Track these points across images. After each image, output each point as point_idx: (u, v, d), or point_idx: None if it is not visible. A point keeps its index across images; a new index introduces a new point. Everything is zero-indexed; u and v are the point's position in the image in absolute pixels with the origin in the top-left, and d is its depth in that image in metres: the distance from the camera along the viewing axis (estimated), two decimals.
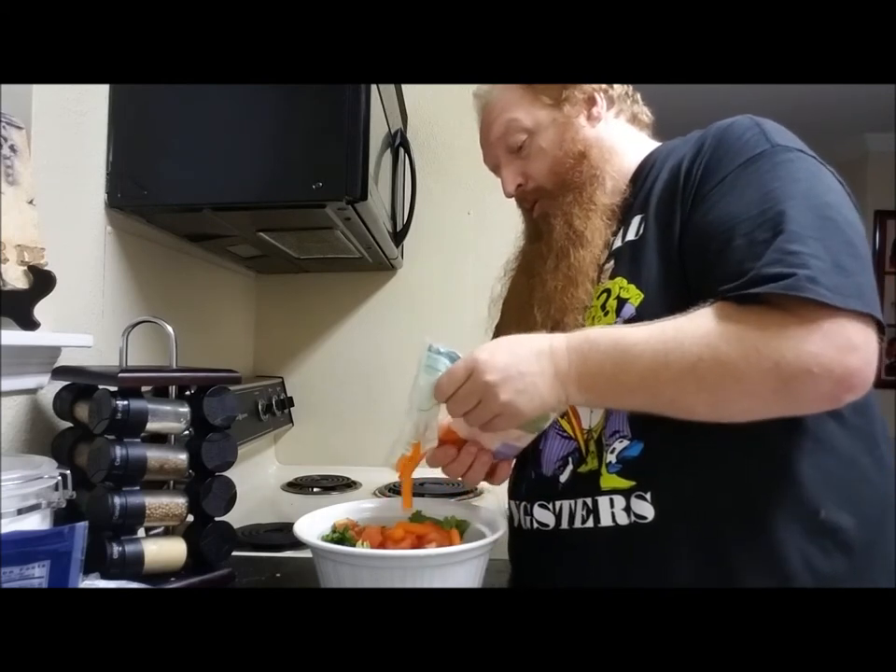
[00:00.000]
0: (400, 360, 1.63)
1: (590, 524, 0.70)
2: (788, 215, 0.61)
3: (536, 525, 0.75)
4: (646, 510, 0.67)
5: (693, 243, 0.68)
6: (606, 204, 0.78)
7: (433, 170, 1.61)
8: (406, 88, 1.46)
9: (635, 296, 0.71)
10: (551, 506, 0.74)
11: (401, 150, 1.36)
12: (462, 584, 0.66)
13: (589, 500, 0.70)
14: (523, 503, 0.78)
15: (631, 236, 0.76)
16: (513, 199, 0.88)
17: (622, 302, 0.72)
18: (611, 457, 0.70)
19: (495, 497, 1.31)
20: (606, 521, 0.69)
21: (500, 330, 0.92)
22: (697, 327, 0.61)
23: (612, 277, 0.75)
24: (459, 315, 1.63)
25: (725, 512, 0.64)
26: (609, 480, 0.69)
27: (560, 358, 0.65)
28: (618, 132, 0.83)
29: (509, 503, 0.83)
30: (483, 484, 1.36)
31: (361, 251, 1.31)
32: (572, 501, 0.72)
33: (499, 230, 1.62)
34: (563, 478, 0.74)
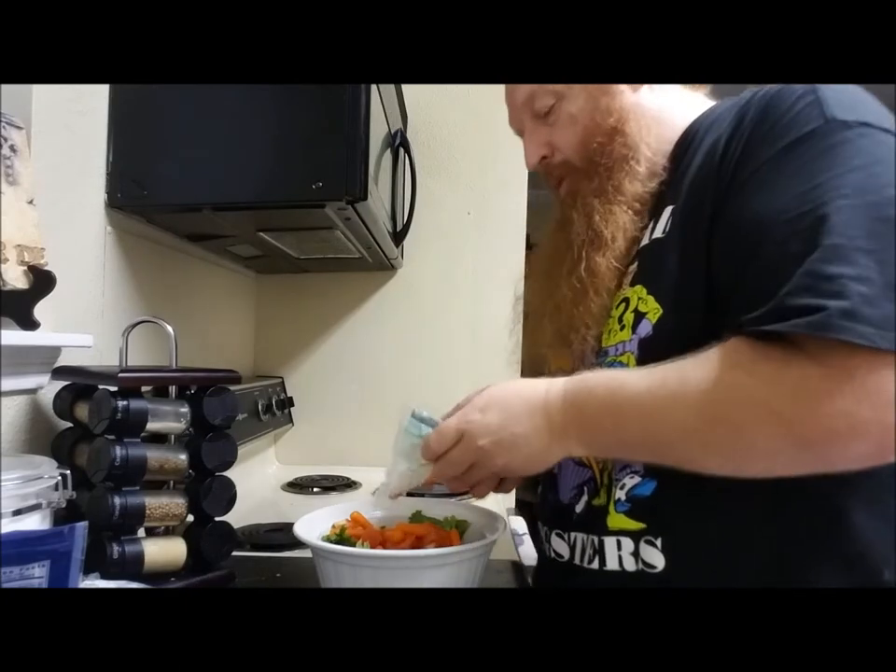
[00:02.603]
0: (400, 360, 1.63)
1: (595, 565, 0.63)
2: (831, 221, 0.48)
3: (553, 554, 0.70)
4: (655, 558, 0.58)
5: (722, 248, 0.56)
6: (636, 194, 0.66)
7: (433, 170, 1.61)
8: (406, 88, 1.46)
9: (653, 311, 0.61)
10: (566, 536, 0.68)
11: (401, 150, 1.36)
12: (462, 584, 0.66)
13: (596, 539, 0.63)
14: (544, 528, 0.72)
15: (658, 233, 0.64)
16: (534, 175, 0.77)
17: (639, 317, 0.62)
18: (620, 494, 0.62)
19: (494, 498, 1.31)
20: (612, 564, 0.61)
21: (526, 331, 0.83)
22: (701, 379, 0.51)
23: (633, 284, 0.65)
24: (459, 315, 1.63)
25: (754, 571, 0.55)
26: (616, 519, 0.61)
27: (555, 412, 0.59)
28: (666, 96, 0.69)
29: (537, 523, 0.77)
30: None
31: (361, 251, 1.31)
32: (585, 535, 0.65)
33: (499, 230, 1.63)
34: (578, 508, 0.67)
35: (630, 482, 0.61)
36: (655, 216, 0.66)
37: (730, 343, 0.51)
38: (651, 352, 0.60)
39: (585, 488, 0.67)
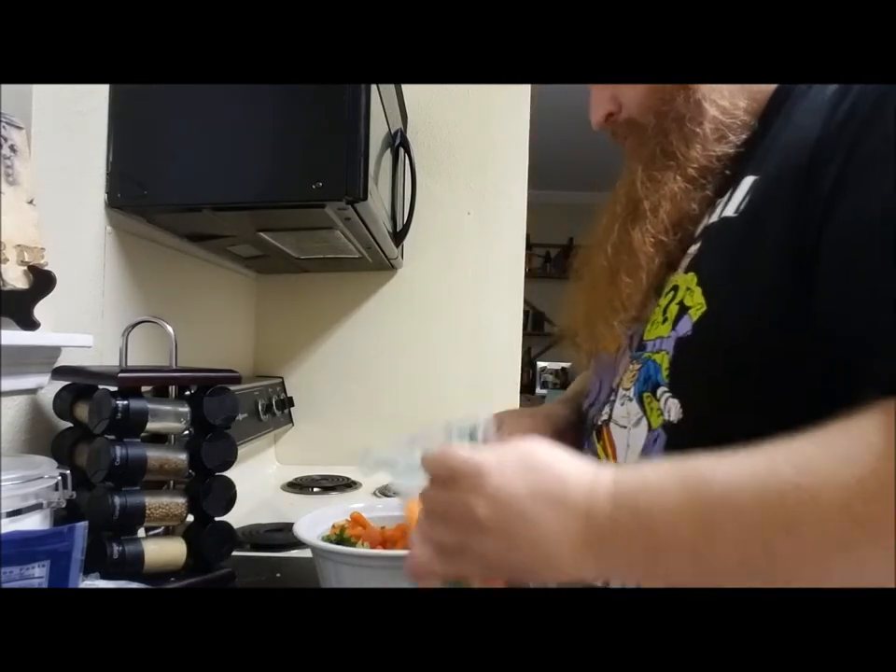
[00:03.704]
0: (400, 360, 1.63)
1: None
2: None
3: None
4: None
5: (825, 257, 0.43)
6: (693, 158, 0.55)
7: (433, 170, 1.61)
8: (406, 88, 1.46)
9: (696, 306, 0.51)
10: None
11: (401, 150, 1.36)
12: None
13: None
14: None
15: (731, 210, 0.52)
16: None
17: (682, 311, 0.52)
18: None
19: None
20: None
21: (568, 301, 0.69)
22: (842, 465, 0.35)
23: (688, 269, 0.54)
24: (459, 314, 1.63)
25: None
26: None
27: (600, 516, 0.41)
28: None
29: None
30: None
31: (361, 251, 1.31)
32: None
33: (499, 230, 1.63)
34: None
35: None
36: (732, 185, 0.54)
37: (879, 415, 0.36)
38: (686, 356, 0.51)
39: None
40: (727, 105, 0.56)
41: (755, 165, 0.53)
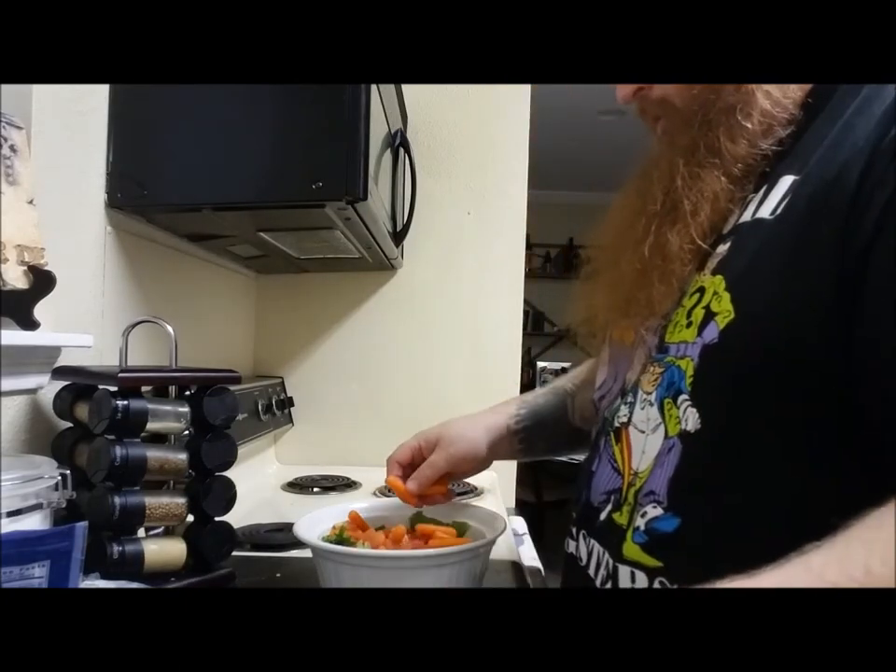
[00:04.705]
0: (400, 360, 1.63)
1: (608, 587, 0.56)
2: None
3: (573, 550, 0.64)
4: None
5: (873, 280, 0.41)
6: (738, 156, 0.52)
7: (433, 170, 1.61)
8: (406, 88, 1.46)
9: (724, 312, 0.49)
10: (587, 541, 0.61)
11: (401, 150, 1.36)
12: (462, 584, 0.66)
13: (611, 562, 0.56)
14: (571, 524, 0.65)
15: (766, 211, 0.50)
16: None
17: (708, 317, 0.50)
18: (640, 522, 0.53)
19: (494, 498, 1.31)
20: None
21: (584, 291, 0.66)
22: None
23: (716, 271, 0.52)
24: (459, 314, 1.63)
25: None
26: (631, 549, 0.54)
27: None
28: None
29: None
30: (484, 484, 1.36)
31: (361, 251, 1.31)
32: (601, 550, 0.58)
33: (499, 230, 1.63)
34: (602, 516, 0.59)
35: (652, 511, 0.52)
36: (768, 183, 0.51)
37: None
38: (711, 366, 0.49)
39: (612, 497, 0.59)
40: (780, 96, 0.52)
41: (796, 163, 0.49)
